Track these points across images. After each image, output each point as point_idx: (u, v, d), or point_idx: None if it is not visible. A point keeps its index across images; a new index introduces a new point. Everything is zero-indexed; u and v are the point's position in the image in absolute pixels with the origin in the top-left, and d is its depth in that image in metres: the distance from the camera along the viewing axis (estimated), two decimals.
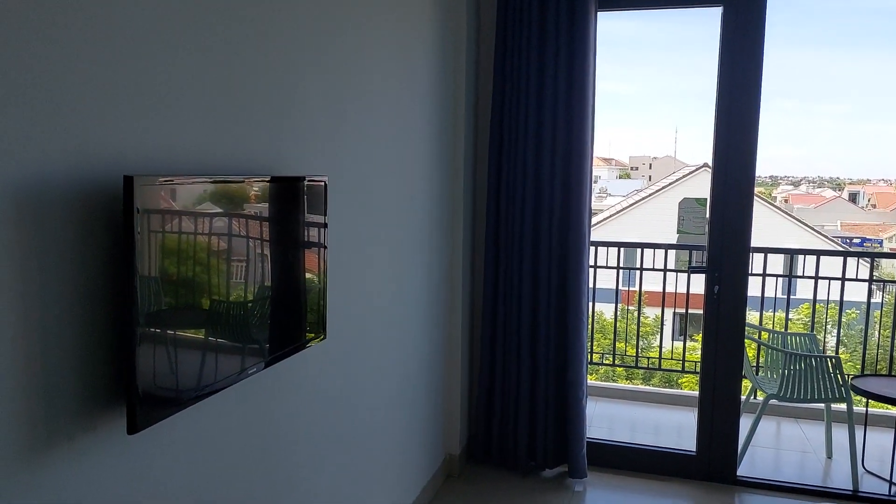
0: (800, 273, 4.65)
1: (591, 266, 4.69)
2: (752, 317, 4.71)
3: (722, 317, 3.21)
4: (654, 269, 4.61)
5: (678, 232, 3.34)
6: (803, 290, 4.54)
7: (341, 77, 2.04)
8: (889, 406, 3.31)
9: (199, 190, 1.36)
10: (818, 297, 4.31)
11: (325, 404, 2.04)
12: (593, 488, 3.24)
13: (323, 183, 1.79)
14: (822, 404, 3.53)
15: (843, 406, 3.32)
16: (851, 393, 3.28)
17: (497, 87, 3.20)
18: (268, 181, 1.58)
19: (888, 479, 3.30)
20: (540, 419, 3.30)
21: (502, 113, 3.20)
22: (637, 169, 37.78)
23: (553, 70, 3.10)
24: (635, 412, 4.47)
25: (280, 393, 1.79)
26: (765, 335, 4.12)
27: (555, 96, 3.11)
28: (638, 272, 4.87)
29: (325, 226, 1.81)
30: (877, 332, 6.18)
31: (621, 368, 7.50)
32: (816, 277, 4.25)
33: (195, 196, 1.34)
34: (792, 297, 4.47)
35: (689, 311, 4.54)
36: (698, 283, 3.38)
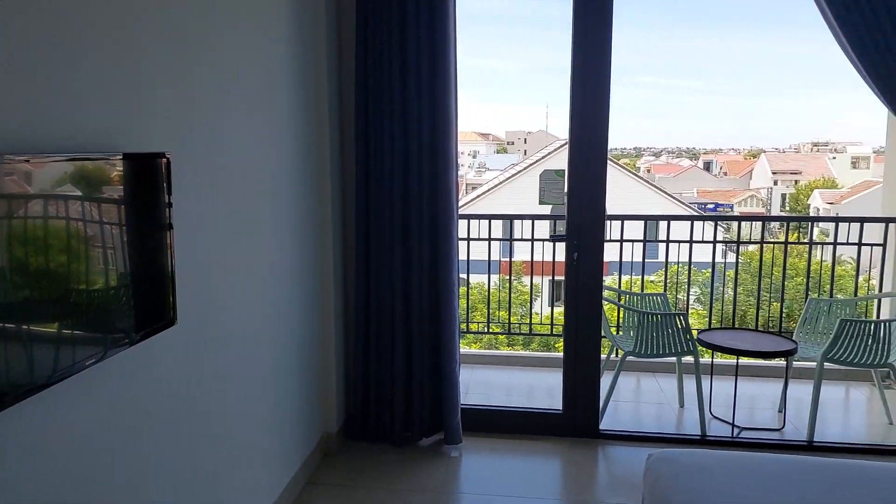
0: (662, 238, 4.92)
1: (465, 238, 4.81)
2: (617, 280, 5.01)
3: (581, 282, 3.38)
4: (522, 240, 4.77)
5: (540, 203, 3.47)
6: (678, 253, 4.84)
7: (188, 46, 1.93)
8: (731, 356, 3.63)
9: (11, 168, 1.25)
10: (680, 259, 4.64)
11: (180, 392, 1.96)
12: (468, 453, 3.34)
13: (165, 160, 1.70)
14: (674, 358, 3.82)
15: (692, 358, 3.61)
16: (698, 346, 3.57)
17: (360, 62, 3.16)
18: (94, 159, 1.48)
19: (731, 422, 3.64)
20: (415, 390, 3.35)
21: (367, 89, 3.17)
22: (513, 143, 38.79)
23: (415, 44, 3.10)
24: (511, 377, 4.64)
25: (126, 384, 1.71)
26: (623, 297, 4.39)
27: (418, 72, 3.12)
28: (517, 242, 5.01)
29: (170, 205, 1.72)
30: (729, 290, 6.76)
31: (503, 336, 7.78)
32: (668, 241, 4.58)
33: (8, 175, 1.24)
34: (656, 260, 4.78)
35: (560, 278, 4.73)
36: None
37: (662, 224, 4.75)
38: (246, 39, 2.36)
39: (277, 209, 2.67)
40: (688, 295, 4.73)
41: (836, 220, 4.69)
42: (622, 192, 17.61)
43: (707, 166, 30.18)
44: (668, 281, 4.64)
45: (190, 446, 2.02)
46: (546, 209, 4.10)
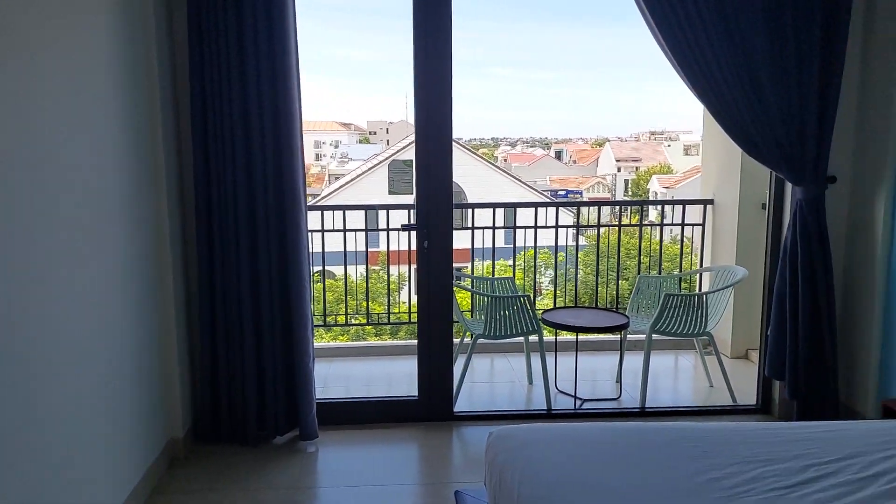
0: (520, 224, 5.06)
1: (318, 230, 4.75)
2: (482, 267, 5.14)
3: (432, 269, 3.45)
4: (377, 230, 4.79)
5: (389, 192, 3.50)
6: (525, 238, 5.02)
7: None
8: (571, 333, 3.85)
9: None
10: (543, 244, 4.85)
11: None
12: (325, 447, 3.32)
13: None
14: (522, 338, 4.00)
15: (537, 337, 3.79)
16: (542, 325, 3.76)
17: (194, 51, 3.01)
18: None
19: (574, 395, 3.87)
20: (268, 388, 3.27)
21: (202, 78, 3.03)
22: (375, 133, 38.75)
23: (252, 32, 3.00)
24: (373, 367, 4.65)
25: None
26: (471, 282, 4.53)
27: (257, 61, 3.02)
28: (380, 233, 5.00)
29: None
30: (580, 271, 7.16)
31: (370, 327, 7.78)
32: (514, 227, 4.79)
33: None
34: (518, 245, 4.97)
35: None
36: None
37: (520, 210, 4.95)
38: (59, 25, 2.16)
39: (103, 207, 2.48)
40: (535, 277, 4.97)
41: (662, 202, 5.15)
42: (481, 181, 18.17)
43: (558, 155, 31.88)
44: (519, 265, 4.84)
45: (7, 474, 1.84)
46: (408, 199, 4.13)
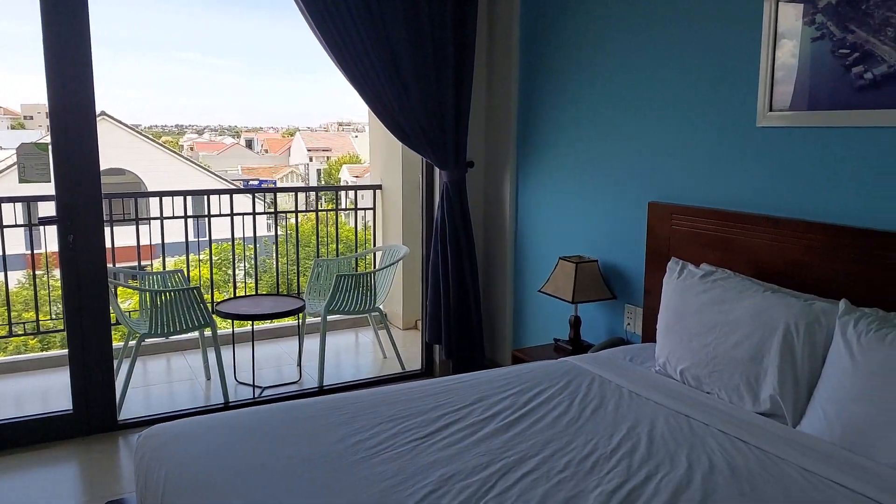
0: (203, 214, 4.76)
1: None
2: (172, 262, 4.73)
3: (82, 267, 3.11)
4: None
5: (20, 181, 3.06)
6: (221, 230, 4.75)
7: None
8: (246, 322, 3.80)
9: None
10: (236, 235, 4.64)
11: None
12: None
13: None
14: (197, 333, 3.83)
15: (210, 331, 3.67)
16: (215, 317, 3.65)
17: None
18: None
19: (252, 384, 3.84)
20: None
21: None
22: (32, 118, 33.81)
23: None
24: (28, 383, 4.04)
25: None
26: (136, 280, 4.20)
27: None
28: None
29: None
30: (275, 260, 7.02)
31: (33, 340, 6.70)
32: (185, 217, 4.55)
33: None
34: (205, 238, 4.67)
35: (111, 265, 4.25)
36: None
37: (213, 199, 4.65)
38: None
39: None
40: (211, 269, 4.77)
41: (336, 188, 5.32)
42: (162, 171, 16.89)
43: (249, 144, 31.04)
44: (188, 257, 4.60)
45: None
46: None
